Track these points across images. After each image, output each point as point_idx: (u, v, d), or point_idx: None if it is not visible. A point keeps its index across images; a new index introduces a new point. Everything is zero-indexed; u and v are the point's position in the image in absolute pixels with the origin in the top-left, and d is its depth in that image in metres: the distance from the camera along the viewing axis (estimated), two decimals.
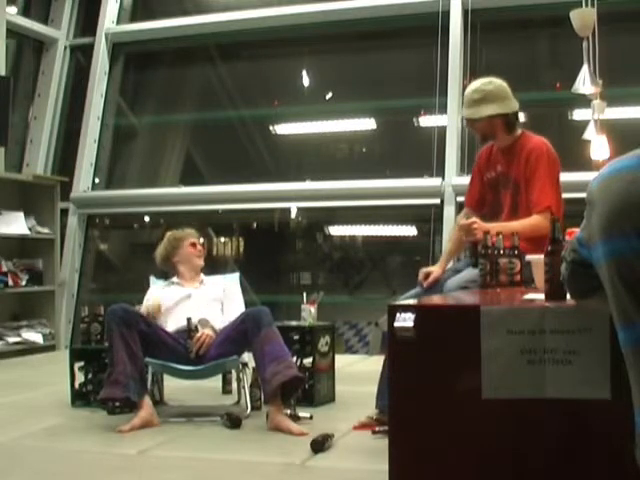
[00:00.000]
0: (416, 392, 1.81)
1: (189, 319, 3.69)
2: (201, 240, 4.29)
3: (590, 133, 4.96)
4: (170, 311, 3.85)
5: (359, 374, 4.81)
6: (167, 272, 4.19)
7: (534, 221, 3.18)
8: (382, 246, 7.44)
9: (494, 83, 3.34)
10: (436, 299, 2.62)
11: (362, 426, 3.29)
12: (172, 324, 3.79)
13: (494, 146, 3.45)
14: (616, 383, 1.64)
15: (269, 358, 3.43)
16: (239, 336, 3.60)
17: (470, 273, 3.13)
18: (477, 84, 3.35)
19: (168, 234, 4.21)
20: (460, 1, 6.21)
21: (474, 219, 3.18)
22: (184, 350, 3.66)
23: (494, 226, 3.12)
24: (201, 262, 4.11)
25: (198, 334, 3.67)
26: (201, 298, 3.91)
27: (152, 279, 4.18)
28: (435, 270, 3.43)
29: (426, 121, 6.91)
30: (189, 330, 3.67)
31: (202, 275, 4.12)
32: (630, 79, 5.77)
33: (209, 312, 3.83)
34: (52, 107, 7.29)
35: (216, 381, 4.18)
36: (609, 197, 1.45)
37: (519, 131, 3.39)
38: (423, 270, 3.45)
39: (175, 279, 4.08)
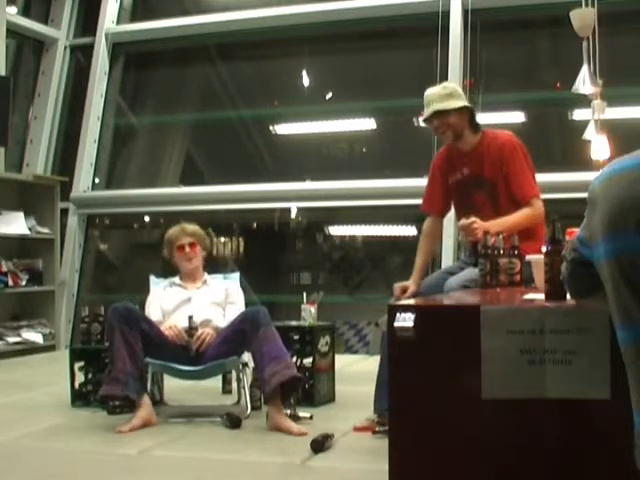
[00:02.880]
0: (416, 392, 1.81)
1: (190, 317, 3.71)
2: (204, 235, 4.08)
3: (590, 133, 4.96)
4: (170, 315, 3.84)
5: (359, 374, 4.81)
6: (168, 271, 4.14)
7: (528, 212, 3.25)
8: (382, 246, 7.43)
9: (453, 85, 3.48)
10: (436, 299, 2.62)
11: (362, 428, 3.29)
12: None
13: (452, 150, 3.44)
14: (616, 383, 1.64)
15: (267, 358, 3.42)
16: (237, 336, 3.59)
17: (471, 272, 3.13)
18: (440, 85, 3.42)
19: (167, 233, 4.11)
20: (460, 1, 6.21)
21: (474, 218, 3.16)
22: (184, 350, 3.67)
23: (494, 224, 3.12)
24: (191, 265, 3.98)
25: (199, 332, 3.68)
26: (201, 301, 3.88)
27: (152, 278, 4.15)
28: (410, 285, 3.42)
29: None
30: (190, 328, 3.68)
31: (205, 275, 4.05)
32: (630, 79, 5.77)
33: (210, 314, 3.82)
34: (52, 107, 7.29)
35: (216, 381, 4.18)
36: (611, 196, 1.45)
37: (481, 132, 3.40)
38: (398, 285, 3.42)
39: (177, 280, 4.04)
